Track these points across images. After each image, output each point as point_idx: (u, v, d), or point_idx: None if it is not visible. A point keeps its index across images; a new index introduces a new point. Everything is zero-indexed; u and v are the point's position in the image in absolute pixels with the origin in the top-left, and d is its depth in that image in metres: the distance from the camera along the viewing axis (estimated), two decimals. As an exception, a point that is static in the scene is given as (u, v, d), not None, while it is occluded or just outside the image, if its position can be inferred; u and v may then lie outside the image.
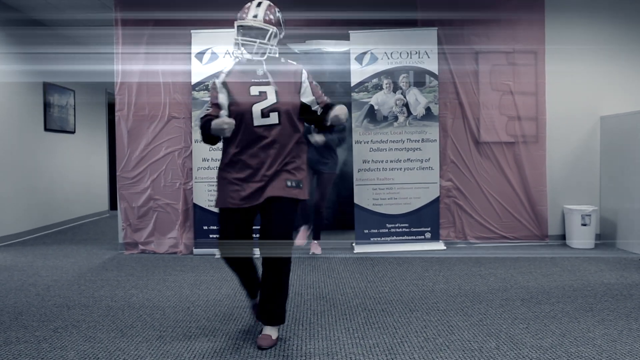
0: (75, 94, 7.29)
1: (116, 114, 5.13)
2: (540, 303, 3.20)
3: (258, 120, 2.48)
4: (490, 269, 4.17)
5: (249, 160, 2.50)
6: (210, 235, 4.91)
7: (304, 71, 2.61)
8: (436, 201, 5.08)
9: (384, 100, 5.07)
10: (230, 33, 2.72)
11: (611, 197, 5.17)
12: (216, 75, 2.66)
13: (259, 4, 2.56)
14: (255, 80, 2.55)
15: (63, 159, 6.96)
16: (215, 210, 2.72)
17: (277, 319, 2.56)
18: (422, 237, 5.07)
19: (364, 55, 5.07)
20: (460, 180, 5.23)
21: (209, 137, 2.52)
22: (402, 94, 5.07)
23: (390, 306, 3.18)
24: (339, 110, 2.43)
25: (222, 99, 2.56)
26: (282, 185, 2.50)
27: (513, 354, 2.39)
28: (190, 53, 4.97)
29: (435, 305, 3.18)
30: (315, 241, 4.97)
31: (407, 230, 5.06)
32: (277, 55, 2.60)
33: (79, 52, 6.90)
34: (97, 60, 6.60)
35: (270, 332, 2.57)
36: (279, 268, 2.49)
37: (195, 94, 4.95)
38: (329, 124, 2.50)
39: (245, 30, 2.53)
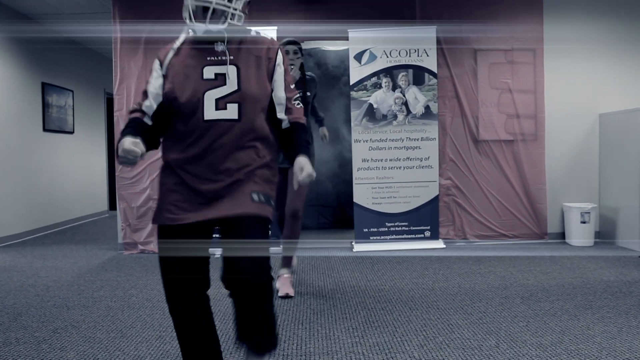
0: (74, 94, 7.29)
1: (115, 114, 5.12)
2: (539, 301, 3.20)
3: (210, 113, 1.75)
4: (489, 267, 4.18)
5: (193, 170, 1.79)
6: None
7: (280, 51, 1.89)
8: (435, 200, 5.08)
9: (383, 98, 5.07)
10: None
11: (610, 194, 5.17)
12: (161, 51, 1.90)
13: None
14: (212, 59, 1.81)
15: (62, 160, 6.95)
16: None
17: (265, 346, 1.85)
18: (422, 235, 5.07)
19: (363, 54, 5.07)
20: (460, 178, 5.23)
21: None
22: (401, 92, 5.07)
23: (390, 305, 3.18)
24: (306, 168, 1.74)
25: (155, 83, 1.83)
26: (246, 199, 1.77)
27: (512, 351, 2.39)
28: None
29: (435, 304, 3.18)
30: (286, 272, 3.51)
31: (407, 228, 5.06)
32: (243, 25, 1.85)
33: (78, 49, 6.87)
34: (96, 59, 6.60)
35: None
36: (256, 299, 1.75)
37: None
38: (293, 167, 1.80)
39: None
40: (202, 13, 1.76)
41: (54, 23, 6.31)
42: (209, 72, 1.79)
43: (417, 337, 2.61)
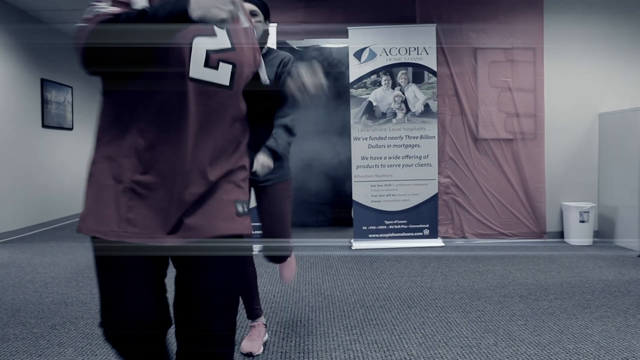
0: (73, 90, 7.27)
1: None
2: (538, 300, 3.20)
3: (197, 70, 1.22)
4: (488, 265, 4.18)
5: (162, 150, 1.22)
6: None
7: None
8: (434, 198, 5.08)
9: (382, 96, 5.07)
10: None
11: (609, 194, 5.17)
12: None
13: None
14: None
15: (61, 156, 6.94)
16: None
17: None
18: (421, 233, 5.07)
19: (363, 52, 5.06)
20: (459, 177, 5.23)
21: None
22: (400, 90, 5.06)
23: (389, 303, 3.18)
24: (312, 70, 1.27)
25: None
26: (230, 211, 1.30)
27: (511, 350, 2.40)
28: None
29: (434, 302, 3.18)
30: (256, 320, 2.49)
31: (406, 227, 5.06)
32: None
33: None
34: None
35: None
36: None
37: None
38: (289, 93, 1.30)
39: None
40: None
41: (53, 19, 6.30)
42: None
43: (416, 335, 2.61)
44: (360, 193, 5.07)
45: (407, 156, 5.07)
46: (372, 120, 5.07)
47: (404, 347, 2.46)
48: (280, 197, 2.31)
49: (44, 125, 6.46)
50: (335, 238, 5.43)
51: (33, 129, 6.27)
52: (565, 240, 5.21)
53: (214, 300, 1.28)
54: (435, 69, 5.06)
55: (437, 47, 5.08)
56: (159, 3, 1.11)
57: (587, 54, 5.30)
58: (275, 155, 2.19)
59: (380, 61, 5.05)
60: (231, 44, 1.30)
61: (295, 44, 6.12)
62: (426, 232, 5.07)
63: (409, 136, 5.07)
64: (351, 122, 5.08)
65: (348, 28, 5.03)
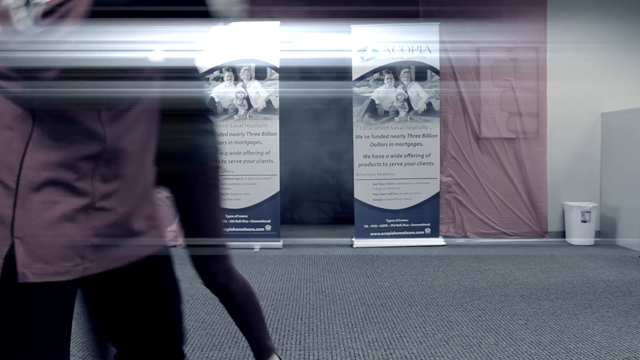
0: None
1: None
2: (539, 299, 3.20)
3: None
4: (489, 265, 4.17)
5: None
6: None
7: None
8: (436, 197, 5.07)
9: (385, 94, 5.05)
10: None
11: (611, 194, 5.16)
12: None
13: None
14: None
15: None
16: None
17: None
18: (422, 232, 5.06)
19: (366, 50, 5.05)
20: (461, 176, 5.22)
21: None
22: (403, 88, 5.05)
23: (390, 301, 3.18)
24: None
25: None
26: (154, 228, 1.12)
27: (512, 349, 2.39)
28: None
29: (435, 301, 3.18)
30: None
31: (407, 225, 5.06)
32: None
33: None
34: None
35: None
36: None
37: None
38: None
39: None
40: None
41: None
42: None
43: (416, 334, 2.61)
44: (362, 191, 5.06)
45: (409, 155, 5.06)
46: (375, 118, 5.06)
47: (405, 345, 2.46)
48: (210, 178, 1.77)
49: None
50: (337, 236, 5.43)
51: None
52: (567, 240, 5.20)
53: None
54: (438, 68, 5.05)
55: (440, 45, 5.06)
56: None
57: (590, 53, 5.27)
58: None
59: (383, 59, 5.04)
60: None
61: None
62: (428, 230, 5.06)
63: (411, 135, 5.06)
64: (353, 120, 5.07)
65: (351, 25, 5.02)
